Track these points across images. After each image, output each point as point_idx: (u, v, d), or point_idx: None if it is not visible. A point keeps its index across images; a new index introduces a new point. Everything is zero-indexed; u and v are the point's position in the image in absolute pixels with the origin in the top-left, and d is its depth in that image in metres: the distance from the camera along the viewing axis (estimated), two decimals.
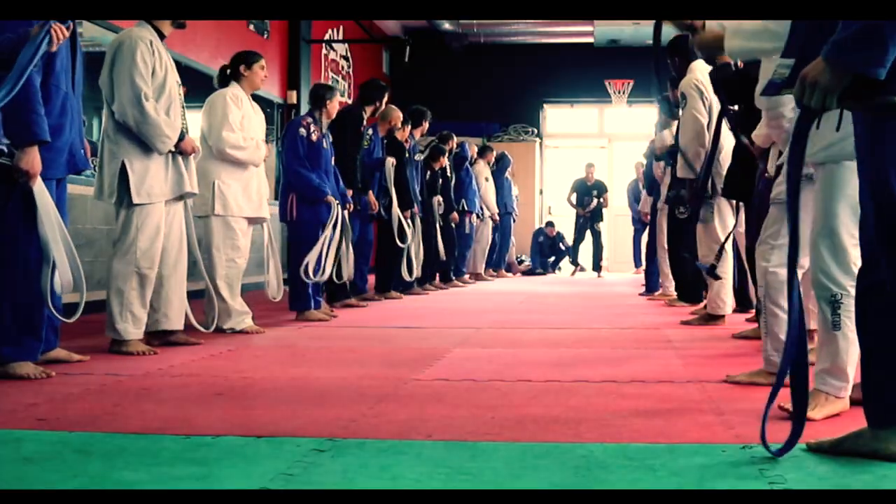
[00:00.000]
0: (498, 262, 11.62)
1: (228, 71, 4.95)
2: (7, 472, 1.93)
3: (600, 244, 12.24)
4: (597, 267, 12.14)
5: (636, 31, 12.66)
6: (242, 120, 4.82)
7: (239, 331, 4.67)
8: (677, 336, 4.61)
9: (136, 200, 3.82)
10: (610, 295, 8.34)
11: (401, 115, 7.34)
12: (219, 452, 2.10)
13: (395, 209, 7.09)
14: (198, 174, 4.65)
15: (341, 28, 11.66)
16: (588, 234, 12.24)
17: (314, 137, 5.56)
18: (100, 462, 2.01)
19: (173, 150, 3.91)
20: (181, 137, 3.92)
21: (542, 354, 3.95)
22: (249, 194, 4.85)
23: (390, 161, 6.99)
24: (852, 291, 2.29)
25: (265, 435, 2.26)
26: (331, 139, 5.83)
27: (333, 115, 5.89)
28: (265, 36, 9.38)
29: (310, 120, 5.64)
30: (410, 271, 7.56)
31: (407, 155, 7.43)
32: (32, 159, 3.10)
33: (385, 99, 6.64)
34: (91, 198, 5.72)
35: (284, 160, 5.66)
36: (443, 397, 2.86)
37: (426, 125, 8.11)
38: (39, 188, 3.17)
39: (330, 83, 6.06)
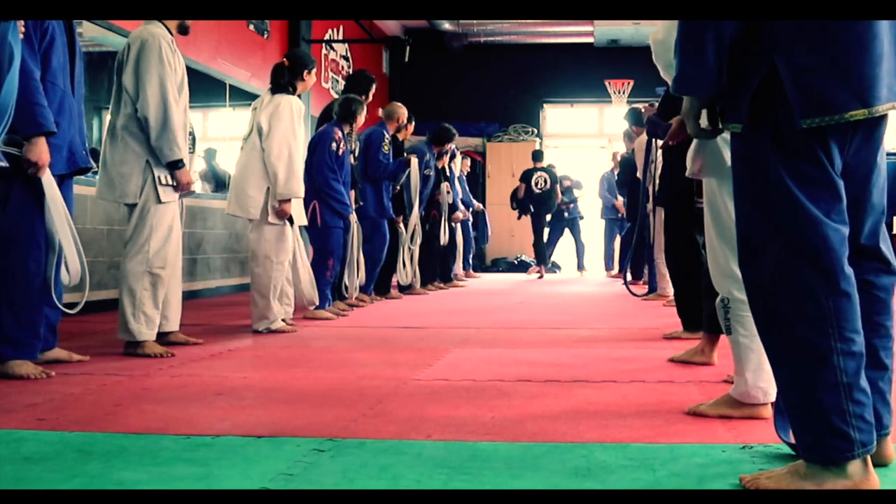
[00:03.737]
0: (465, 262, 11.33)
1: (287, 74, 4.91)
2: (7, 472, 1.93)
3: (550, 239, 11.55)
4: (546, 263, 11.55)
5: (636, 31, 12.67)
6: (298, 131, 4.84)
7: (275, 330, 4.73)
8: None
9: (164, 199, 3.79)
10: (609, 295, 8.34)
11: (406, 113, 7.30)
12: (219, 452, 2.10)
13: (416, 213, 7.21)
14: (252, 178, 4.70)
15: (341, 28, 11.65)
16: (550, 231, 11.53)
17: (340, 152, 5.70)
18: (100, 462, 2.01)
19: (170, 180, 3.81)
20: (181, 164, 3.81)
21: (542, 354, 3.95)
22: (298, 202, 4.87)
23: (415, 162, 7.03)
24: (738, 296, 2.38)
25: (265, 435, 2.26)
26: (352, 148, 5.95)
27: (360, 126, 6.05)
28: (265, 36, 9.38)
29: (340, 135, 5.76)
30: (405, 274, 7.57)
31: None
32: (40, 150, 3.12)
33: (372, 91, 6.55)
34: (91, 198, 5.75)
35: (313, 167, 5.69)
36: (443, 397, 2.86)
37: (448, 146, 8.12)
38: (48, 180, 3.20)
39: (356, 96, 6.02)
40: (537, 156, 11.64)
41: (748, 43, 1.75)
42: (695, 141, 2.52)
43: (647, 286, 8.01)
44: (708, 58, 1.74)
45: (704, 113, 1.92)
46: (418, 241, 7.72)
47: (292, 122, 4.73)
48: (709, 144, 2.45)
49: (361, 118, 6.00)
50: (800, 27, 1.71)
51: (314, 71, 5.05)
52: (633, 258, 9.46)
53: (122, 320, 3.79)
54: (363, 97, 6.38)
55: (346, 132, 5.87)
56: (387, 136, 6.91)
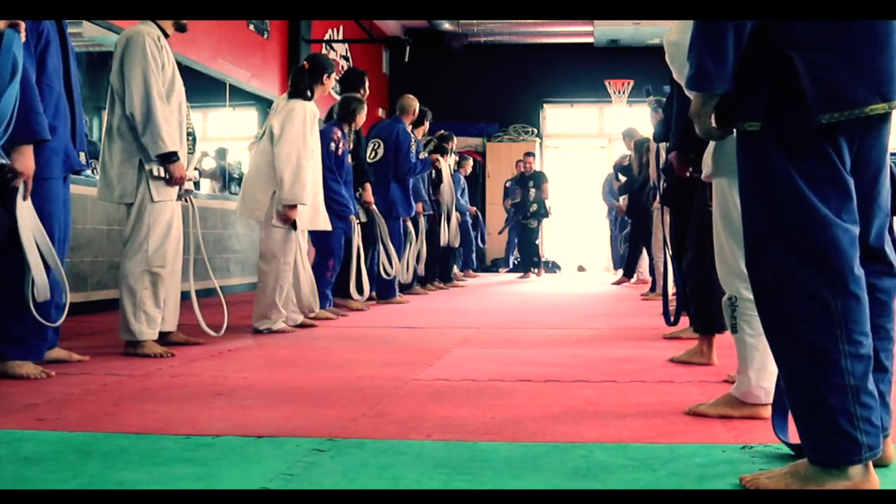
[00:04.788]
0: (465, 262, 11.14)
1: (307, 77, 4.90)
2: (7, 472, 1.93)
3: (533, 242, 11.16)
4: (533, 266, 11.26)
5: (636, 31, 12.67)
6: (311, 137, 4.81)
7: (275, 330, 4.73)
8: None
9: (157, 198, 3.79)
10: (609, 295, 8.34)
11: (418, 104, 7.34)
12: (219, 452, 2.10)
13: (446, 209, 7.34)
14: (260, 181, 4.68)
15: (341, 28, 11.66)
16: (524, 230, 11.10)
17: (340, 152, 5.69)
18: (100, 462, 2.01)
19: (163, 173, 3.79)
20: (174, 157, 3.79)
21: (542, 354, 3.95)
22: (306, 207, 4.84)
23: (445, 164, 7.11)
24: (746, 294, 2.36)
25: (265, 435, 2.26)
26: (350, 147, 5.94)
27: (360, 126, 6.03)
28: (265, 36, 9.38)
29: (339, 135, 5.76)
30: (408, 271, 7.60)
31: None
32: (27, 160, 3.06)
33: (367, 84, 6.50)
34: (91, 198, 5.75)
35: None
36: (443, 397, 2.86)
37: (427, 125, 8.05)
38: (24, 195, 3.10)
39: (356, 96, 6.01)
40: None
41: (762, 39, 1.72)
42: (711, 144, 2.51)
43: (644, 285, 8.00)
44: (728, 53, 1.72)
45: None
46: (456, 240, 7.85)
47: (304, 127, 4.72)
48: (724, 144, 2.43)
49: (361, 117, 6.01)
50: (815, 23, 1.69)
51: (333, 75, 5.06)
52: (629, 256, 9.45)
53: (123, 320, 3.79)
54: (361, 92, 6.36)
55: (345, 131, 5.87)
56: (412, 135, 7.06)
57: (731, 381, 3.08)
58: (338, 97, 6.61)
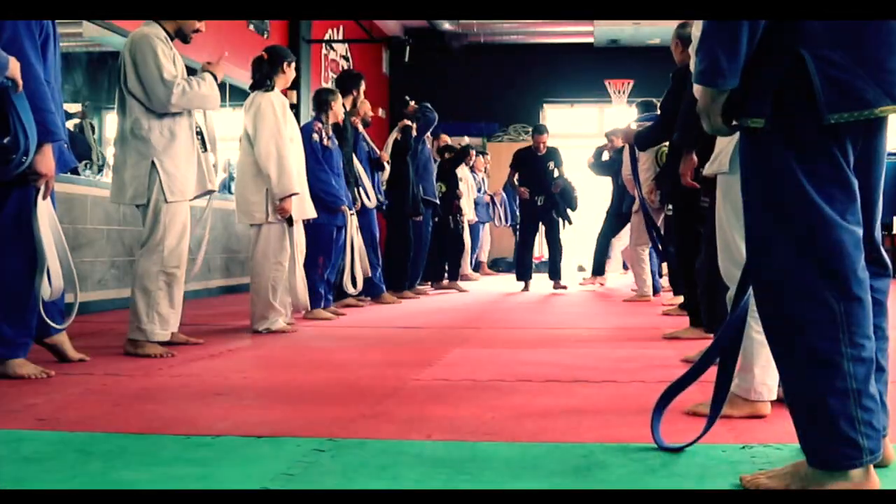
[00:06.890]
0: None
1: (266, 67, 4.91)
2: (7, 472, 1.93)
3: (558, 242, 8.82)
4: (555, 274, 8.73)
5: (636, 31, 12.67)
6: (287, 126, 4.80)
7: (275, 330, 4.71)
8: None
9: (170, 199, 3.79)
10: (610, 295, 8.34)
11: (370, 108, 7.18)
12: (219, 452, 2.10)
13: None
14: (249, 182, 4.71)
15: (341, 28, 11.65)
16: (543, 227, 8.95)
17: (326, 142, 5.66)
18: (100, 462, 2.01)
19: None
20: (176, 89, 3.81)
21: (542, 354, 3.95)
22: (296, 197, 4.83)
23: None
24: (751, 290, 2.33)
25: (265, 435, 2.26)
26: (337, 143, 5.87)
27: (340, 118, 5.93)
28: (265, 36, 9.38)
29: (320, 125, 5.71)
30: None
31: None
32: (49, 161, 3.08)
33: (362, 88, 6.49)
34: (91, 198, 5.75)
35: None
36: (443, 397, 2.86)
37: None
38: (44, 194, 3.14)
39: (331, 86, 5.99)
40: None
41: (773, 35, 1.69)
42: (723, 141, 2.52)
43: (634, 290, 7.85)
44: (741, 49, 1.68)
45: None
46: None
47: (276, 119, 4.73)
48: (735, 141, 2.42)
49: (337, 107, 5.83)
50: (828, 21, 1.66)
51: (293, 65, 5.04)
52: (600, 255, 8.93)
53: (135, 319, 3.78)
54: (354, 93, 6.35)
55: (324, 122, 5.78)
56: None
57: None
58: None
